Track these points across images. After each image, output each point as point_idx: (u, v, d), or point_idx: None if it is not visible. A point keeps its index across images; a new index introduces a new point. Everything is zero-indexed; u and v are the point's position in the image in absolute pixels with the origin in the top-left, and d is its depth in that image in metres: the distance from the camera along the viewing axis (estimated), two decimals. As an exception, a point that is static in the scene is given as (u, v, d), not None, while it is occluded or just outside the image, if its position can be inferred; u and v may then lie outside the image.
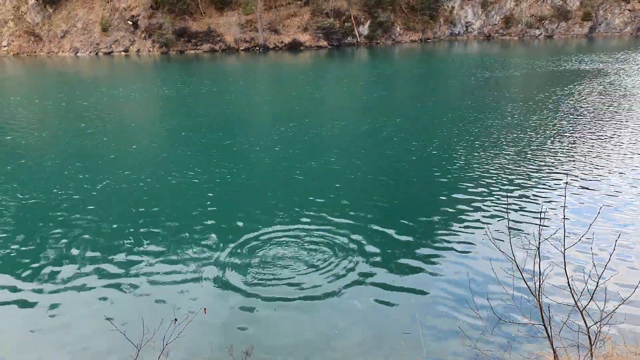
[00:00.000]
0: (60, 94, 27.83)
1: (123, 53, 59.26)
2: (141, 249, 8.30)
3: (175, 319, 4.59)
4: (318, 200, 10.30)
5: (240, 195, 10.96)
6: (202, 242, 8.45)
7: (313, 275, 7.26)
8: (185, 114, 21.47)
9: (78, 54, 59.59)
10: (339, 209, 9.79)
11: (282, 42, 60.37)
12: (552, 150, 13.80)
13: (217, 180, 12.00)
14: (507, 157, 13.20)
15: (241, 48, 59.19)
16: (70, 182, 12.00)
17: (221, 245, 8.32)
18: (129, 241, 8.60)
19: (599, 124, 16.71)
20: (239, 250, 8.08)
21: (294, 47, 59.62)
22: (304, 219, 9.27)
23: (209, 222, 9.33)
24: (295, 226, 8.95)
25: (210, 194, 10.98)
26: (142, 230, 9.06)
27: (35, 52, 60.72)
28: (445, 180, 11.60)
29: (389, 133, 16.46)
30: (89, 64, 49.42)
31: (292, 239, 8.40)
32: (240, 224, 9.16)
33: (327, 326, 6.14)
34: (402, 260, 7.74)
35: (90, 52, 59.63)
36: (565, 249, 3.83)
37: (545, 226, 8.59)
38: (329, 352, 5.70)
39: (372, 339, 5.89)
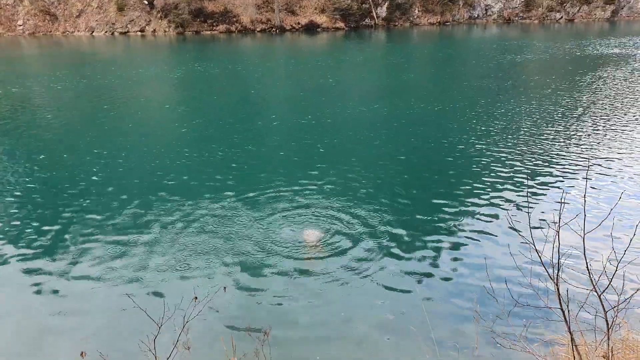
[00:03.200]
0: (78, 74, 28.10)
1: (139, 33, 59.26)
2: (161, 226, 8.47)
3: (196, 297, 4.67)
4: (335, 182, 10.35)
5: (258, 174, 11.04)
6: (222, 221, 8.59)
7: (328, 256, 7.36)
8: (203, 95, 21.57)
9: (94, 34, 59.76)
10: (357, 191, 9.84)
11: (298, 23, 59.71)
12: (574, 135, 13.61)
13: (234, 159, 12.10)
14: (528, 141, 13.07)
15: (257, 29, 58.74)
16: (90, 160, 12.23)
17: (241, 225, 8.45)
18: (149, 219, 8.77)
19: (621, 109, 16.37)
20: (258, 231, 8.20)
21: (311, 28, 58.96)
22: (322, 202, 9.34)
23: (230, 202, 9.45)
24: (313, 208, 9.03)
25: (227, 174, 11.10)
26: (162, 208, 9.22)
27: (50, 32, 60.87)
28: (465, 163, 11.55)
29: (409, 117, 16.34)
30: (106, 44, 49.63)
31: (309, 221, 8.49)
32: (260, 204, 9.28)
33: (341, 308, 6.23)
34: (419, 243, 7.79)
35: (105, 31, 59.73)
36: (585, 234, 3.83)
37: (565, 209, 8.53)
38: (343, 333, 5.80)
39: (386, 321, 5.96)
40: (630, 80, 21.90)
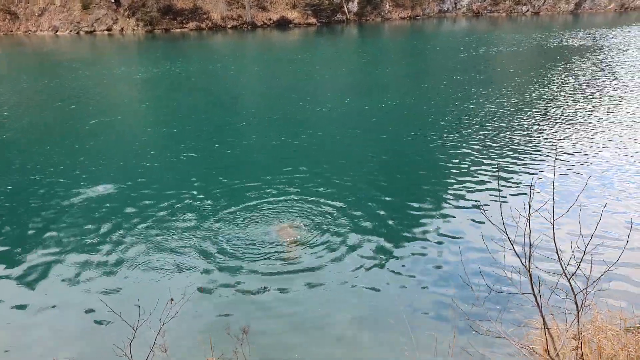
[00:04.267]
0: (41, 75, 27.17)
1: (106, 32, 57.66)
2: (136, 229, 8.29)
3: (172, 299, 4.59)
4: (308, 180, 10.34)
5: (230, 173, 10.93)
6: (197, 222, 8.47)
7: (304, 253, 7.35)
8: (173, 93, 21.17)
9: (58, 33, 57.79)
10: (330, 188, 9.85)
11: (270, 19, 59.24)
12: (542, 124, 13.98)
13: (209, 159, 11.94)
14: (498, 132, 13.34)
15: (228, 26, 57.99)
16: (53, 163, 11.84)
17: (215, 224, 8.35)
18: (124, 222, 8.57)
19: (586, 99, 16.88)
20: (233, 230, 8.12)
21: (283, 24, 58.58)
22: (298, 199, 9.32)
23: (203, 201, 9.34)
24: (289, 206, 9.00)
25: (200, 174, 10.95)
26: (136, 210, 9.03)
27: (11, 31, 58.49)
28: (436, 156, 11.70)
29: (381, 112, 16.45)
30: (71, 43, 48.11)
31: (286, 219, 8.46)
32: (234, 203, 9.18)
33: (318, 304, 6.24)
34: (395, 233, 7.87)
35: (70, 31, 57.85)
36: (554, 220, 3.93)
37: (535, 197, 8.76)
38: (322, 329, 5.81)
39: (364, 315, 6.00)
40: (594, 70, 22.61)
